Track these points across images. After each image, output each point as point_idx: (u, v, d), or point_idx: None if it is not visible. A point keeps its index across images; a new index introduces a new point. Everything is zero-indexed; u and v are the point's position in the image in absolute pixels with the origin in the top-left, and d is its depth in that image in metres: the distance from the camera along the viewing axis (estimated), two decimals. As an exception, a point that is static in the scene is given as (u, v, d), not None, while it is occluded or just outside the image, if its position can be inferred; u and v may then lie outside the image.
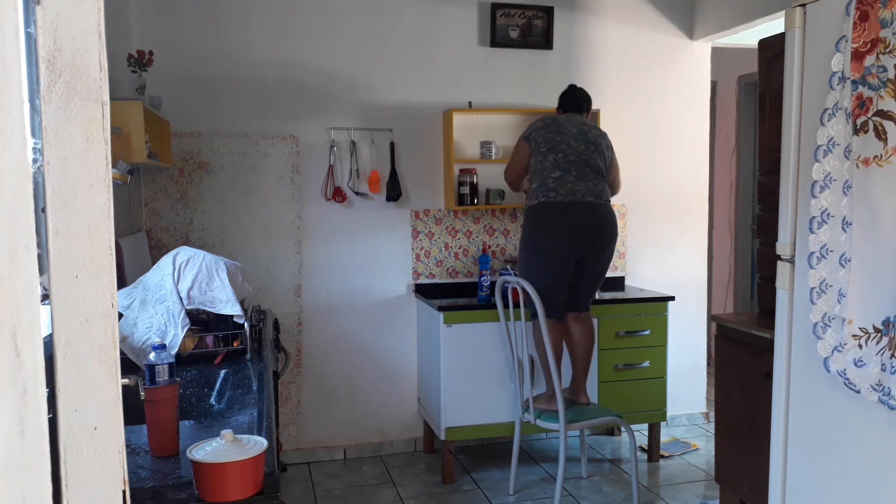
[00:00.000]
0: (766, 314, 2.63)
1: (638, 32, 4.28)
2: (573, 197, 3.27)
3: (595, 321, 3.76)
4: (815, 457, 1.87)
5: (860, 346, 1.62)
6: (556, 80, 4.15)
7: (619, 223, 4.35)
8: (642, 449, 4.09)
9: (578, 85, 3.72)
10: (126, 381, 1.54)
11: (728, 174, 5.70)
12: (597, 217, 3.31)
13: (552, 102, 4.13)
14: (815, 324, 1.76)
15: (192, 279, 2.45)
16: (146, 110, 2.86)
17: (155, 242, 3.67)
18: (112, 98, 0.98)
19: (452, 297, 3.91)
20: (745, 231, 5.63)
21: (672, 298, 3.91)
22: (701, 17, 4.31)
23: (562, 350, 3.40)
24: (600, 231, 3.33)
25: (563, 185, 3.28)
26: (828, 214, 1.71)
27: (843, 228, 1.67)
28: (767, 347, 2.31)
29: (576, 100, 3.54)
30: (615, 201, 4.31)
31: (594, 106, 4.11)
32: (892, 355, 1.54)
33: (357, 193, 3.93)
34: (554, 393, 3.27)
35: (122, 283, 2.66)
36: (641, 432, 4.26)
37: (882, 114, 1.57)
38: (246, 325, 2.49)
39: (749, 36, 4.12)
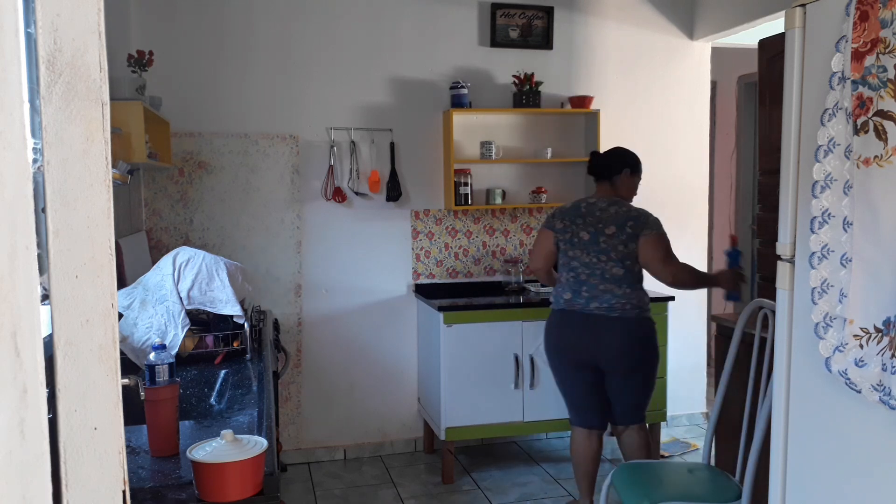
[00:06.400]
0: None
1: (638, 32, 4.28)
2: (582, 311, 2.99)
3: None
4: (815, 457, 1.87)
5: (861, 346, 1.62)
6: (556, 80, 4.15)
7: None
8: (642, 449, 4.09)
9: (609, 149, 3.31)
10: (126, 381, 1.54)
11: (728, 174, 5.70)
12: (604, 329, 2.95)
13: (552, 102, 4.14)
14: (817, 324, 1.76)
15: (192, 279, 2.44)
16: (146, 110, 2.86)
17: (155, 242, 3.67)
18: (112, 98, 0.98)
19: (452, 297, 3.91)
20: (745, 231, 5.62)
21: (672, 298, 3.90)
22: (701, 17, 4.31)
23: (586, 464, 3.13)
24: (610, 343, 2.95)
25: (572, 305, 3.02)
26: (829, 214, 1.71)
27: (843, 228, 1.67)
28: (767, 347, 2.31)
29: (598, 166, 3.15)
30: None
31: (594, 106, 4.11)
32: (893, 355, 1.54)
33: (357, 193, 3.93)
34: None
35: (122, 283, 2.66)
36: (641, 432, 4.26)
37: (882, 114, 1.57)
38: (246, 325, 2.49)
39: (749, 36, 4.12)
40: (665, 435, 4.21)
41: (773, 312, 2.12)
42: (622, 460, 3.96)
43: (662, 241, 2.98)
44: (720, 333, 3.12)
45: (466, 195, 3.98)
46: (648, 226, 2.99)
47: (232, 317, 2.50)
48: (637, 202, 4.37)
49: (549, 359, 3.17)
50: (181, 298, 2.41)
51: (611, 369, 3.00)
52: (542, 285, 3.92)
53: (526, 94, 4.00)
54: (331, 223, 3.93)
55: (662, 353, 3.88)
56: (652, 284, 4.34)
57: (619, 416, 3.09)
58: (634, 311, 2.97)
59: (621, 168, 3.14)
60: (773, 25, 3.82)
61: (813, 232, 1.76)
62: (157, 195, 3.69)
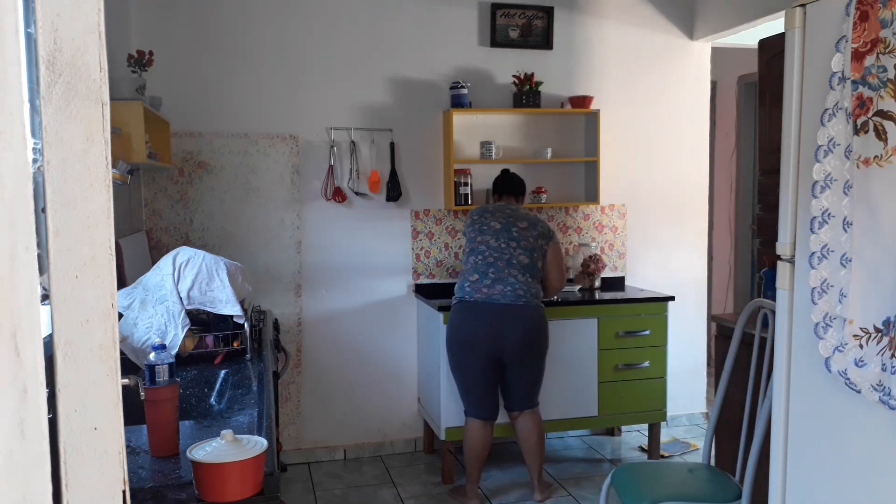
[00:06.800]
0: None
1: (638, 32, 4.28)
2: (488, 299, 3.19)
3: (595, 321, 3.76)
4: (815, 456, 1.87)
5: (861, 347, 1.62)
6: (556, 80, 4.15)
7: (619, 223, 4.35)
8: (642, 449, 4.09)
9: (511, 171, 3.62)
10: (126, 381, 1.54)
11: (728, 174, 5.70)
12: (512, 320, 3.18)
13: (552, 103, 4.14)
14: (817, 324, 1.76)
15: (192, 279, 2.44)
16: (146, 110, 2.86)
17: (155, 242, 3.67)
18: (112, 98, 0.98)
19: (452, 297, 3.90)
20: (745, 231, 5.63)
21: (672, 298, 3.90)
22: (701, 17, 4.31)
23: (480, 452, 3.32)
24: (516, 335, 3.19)
25: (478, 289, 3.21)
26: (829, 214, 1.71)
27: (843, 228, 1.67)
28: (767, 347, 2.31)
29: (509, 185, 3.49)
30: (614, 201, 4.31)
31: (594, 106, 4.12)
32: (893, 355, 1.54)
33: (357, 193, 3.93)
34: (470, 491, 3.39)
35: (122, 283, 2.66)
36: (641, 432, 4.26)
37: (882, 114, 1.57)
38: (246, 325, 2.49)
39: (749, 36, 4.12)
40: (665, 435, 4.21)
41: (773, 312, 2.12)
42: (622, 460, 3.96)
43: (562, 252, 3.53)
44: (720, 333, 3.12)
45: (466, 195, 3.98)
46: (554, 235, 3.39)
47: (232, 317, 2.50)
48: (637, 201, 4.39)
49: (452, 353, 3.31)
50: (181, 298, 2.41)
51: (512, 358, 3.23)
52: None
53: (526, 94, 4.00)
54: (331, 223, 3.93)
55: (662, 353, 3.89)
56: (653, 284, 4.35)
57: (517, 402, 3.34)
58: (534, 300, 3.25)
59: (525, 190, 3.56)
60: (773, 25, 3.82)
61: (813, 232, 1.76)
62: (157, 195, 3.69)
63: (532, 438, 3.36)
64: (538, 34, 4.11)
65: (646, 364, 3.84)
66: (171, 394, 1.60)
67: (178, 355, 2.31)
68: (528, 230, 3.30)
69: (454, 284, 4.06)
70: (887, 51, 1.55)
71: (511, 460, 3.95)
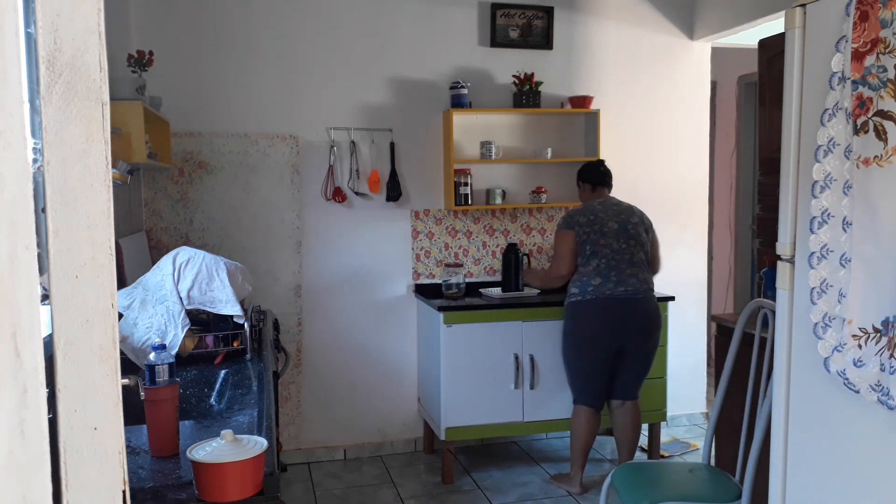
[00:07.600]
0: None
1: (638, 32, 4.28)
2: (612, 296, 3.32)
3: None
4: (815, 457, 1.87)
5: (860, 347, 1.62)
6: (556, 80, 4.15)
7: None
8: (642, 449, 4.09)
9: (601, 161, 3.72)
10: (126, 381, 1.54)
11: (728, 174, 5.70)
12: (635, 311, 3.35)
13: (552, 103, 4.14)
14: (816, 324, 1.76)
15: (192, 279, 2.45)
16: (146, 110, 2.86)
17: (155, 242, 3.67)
18: (112, 98, 0.98)
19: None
20: (745, 231, 5.63)
21: (672, 298, 3.90)
22: (701, 17, 4.31)
23: (588, 439, 3.45)
24: (639, 325, 3.36)
25: (601, 291, 3.33)
26: (828, 214, 1.71)
27: (843, 228, 1.67)
28: (767, 347, 2.31)
29: (606, 176, 3.60)
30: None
31: (594, 106, 4.12)
32: (892, 355, 1.54)
33: (357, 193, 3.93)
34: (575, 476, 3.49)
35: (122, 283, 2.66)
36: (641, 432, 4.26)
37: (882, 114, 1.57)
38: (246, 325, 2.49)
39: (749, 36, 4.12)
40: (665, 435, 4.21)
41: (773, 312, 2.12)
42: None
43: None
44: (720, 333, 3.12)
45: (466, 195, 3.98)
46: (651, 224, 3.56)
47: (232, 317, 2.50)
48: (637, 201, 4.39)
49: (575, 347, 3.41)
50: (181, 298, 2.41)
51: (632, 349, 3.38)
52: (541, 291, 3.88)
53: (526, 94, 4.00)
54: (331, 223, 3.93)
55: (663, 352, 3.88)
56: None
57: (623, 392, 3.48)
58: (651, 293, 3.43)
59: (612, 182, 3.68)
60: (773, 25, 3.82)
61: (812, 232, 1.76)
62: (157, 195, 3.69)
63: (634, 429, 3.50)
64: (538, 34, 4.11)
65: (646, 364, 3.84)
66: (171, 394, 1.60)
67: (178, 355, 2.31)
68: (639, 225, 3.45)
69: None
70: (887, 51, 1.55)
71: (511, 460, 3.95)
